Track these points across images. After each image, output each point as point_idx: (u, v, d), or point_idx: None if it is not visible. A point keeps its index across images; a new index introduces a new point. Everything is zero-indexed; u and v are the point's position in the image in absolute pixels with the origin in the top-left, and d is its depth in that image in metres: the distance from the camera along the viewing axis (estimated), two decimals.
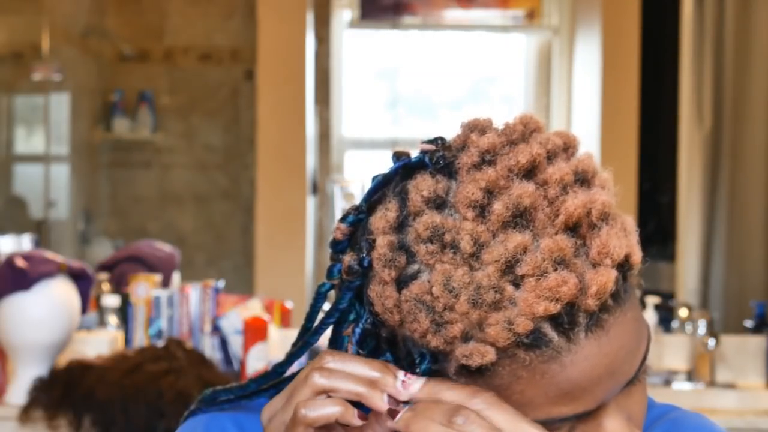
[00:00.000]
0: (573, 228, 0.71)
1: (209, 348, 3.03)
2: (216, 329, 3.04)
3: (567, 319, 0.69)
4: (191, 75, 4.26)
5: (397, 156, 0.77)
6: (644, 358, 0.74)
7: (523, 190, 0.70)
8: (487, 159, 0.72)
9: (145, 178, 4.27)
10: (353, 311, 0.77)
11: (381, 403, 0.71)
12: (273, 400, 0.75)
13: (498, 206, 0.70)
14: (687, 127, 3.75)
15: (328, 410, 0.71)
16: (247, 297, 3.26)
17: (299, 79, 3.69)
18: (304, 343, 0.82)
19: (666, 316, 3.49)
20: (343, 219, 0.77)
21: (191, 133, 4.26)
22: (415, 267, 0.72)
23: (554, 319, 0.69)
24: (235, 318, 3.02)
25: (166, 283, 3.33)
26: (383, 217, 0.74)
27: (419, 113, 4.30)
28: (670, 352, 3.37)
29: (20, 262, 2.76)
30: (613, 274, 0.70)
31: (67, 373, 2.77)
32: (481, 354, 0.70)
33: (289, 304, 3.28)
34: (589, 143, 3.72)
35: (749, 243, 3.76)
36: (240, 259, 4.16)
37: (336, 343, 0.80)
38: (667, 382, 3.27)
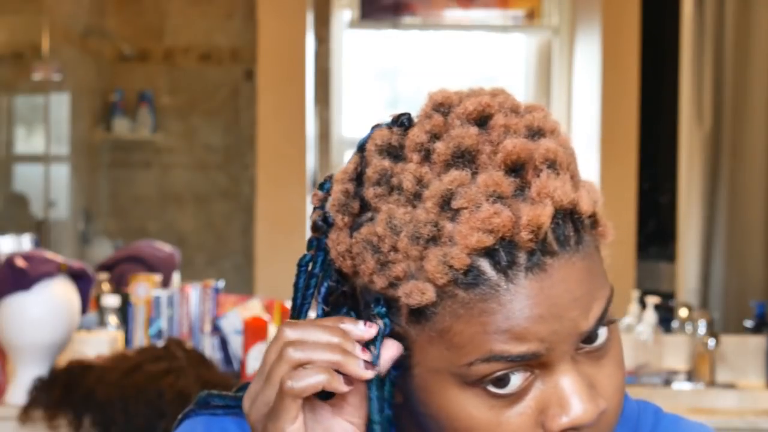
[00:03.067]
0: (516, 170, 0.71)
1: (209, 348, 3.03)
2: (216, 329, 3.04)
3: (505, 258, 0.70)
4: (191, 75, 4.26)
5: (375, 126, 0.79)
6: (602, 316, 0.73)
7: (465, 131, 0.72)
8: (441, 111, 0.75)
9: (145, 178, 4.27)
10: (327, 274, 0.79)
11: (359, 369, 0.72)
12: (250, 387, 0.75)
13: (439, 146, 0.72)
14: (687, 127, 3.75)
15: (315, 379, 0.71)
16: (247, 297, 3.26)
17: (299, 79, 3.69)
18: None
19: (666, 316, 3.49)
20: (320, 187, 0.79)
21: (191, 133, 4.26)
22: (369, 215, 0.74)
23: (491, 256, 0.70)
24: (235, 318, 3.02)
25: (166, 283, 3.33)
26: (342, 169, 0.77)
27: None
28: (670, 352, 3.37)
29: (20, 262, 2.76)
30: (549, 209, 0.70)
31: (67, 373, 2.77)
32: (420, 291, 0.71)
33: (289, 304, 3.28)
34: (589, 143, 3.72)
35: (749, 243, 3.76)
36: (240, 259, 4.16)
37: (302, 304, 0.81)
38: (667, 382, 3.27)
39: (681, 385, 3.26)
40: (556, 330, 0.71)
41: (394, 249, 0.72)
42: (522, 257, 0.70)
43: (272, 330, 3.02)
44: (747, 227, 3.76)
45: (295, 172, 3.69)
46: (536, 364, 0.72)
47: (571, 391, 0.72)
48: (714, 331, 3.33)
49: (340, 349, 0.72)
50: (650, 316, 3.37)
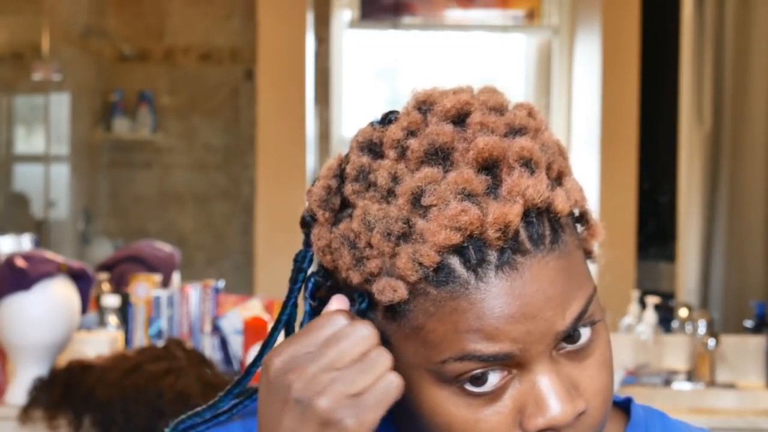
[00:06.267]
0: (489, 168, 0.71)
1: (209, 348, 3.03)
2: (216, 329, 3.04)
3: (475, 255, 0.69)
4: (191, 75, 4.26)
5: None
6: (581, 315, 0.72)
7: (440, 129, 0.72)
8: (421, 108, 0.75)
9: (145, 178, 4.27)
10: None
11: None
12: (303, 368, 0.71)
13: (413, 143, 0.72)
14: (687, 127, 3.75)
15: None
16: (247, 297, 3.26)
17: (299, 79, 3.69)
18: (277, 322, 0.82)
19: (666, 316, 3.49)
20: (313, 184, 0.79)
21: (191, 133, 4.26)
22: (348, 211, 0.74)
23: (461, 254, 0.69)
24: (235, 318, 3.02)
25: (166, 283, 3.33)
26: (326, 165, 0.77)
27: None
28: (670, 352, 3.37)
29: (20, 262, 2.76)
30: (518, 207, 0.69)
31: (67, 373, 2.77)
32: (392, 288, 0.70)
33: None
34: (589, 143, 3.72)
35: (749, 243, 3.76)
36: (240, 259, 4.16)
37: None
38: (667, 382, 3.27)
39: (681, 385, 3.26)
40: (530, 330, 0.70)
41: (369, 245, 0.72)
42: (492, 255, 0.69)
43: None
44: (747, 227, 3.76)
45: (295, 172, 3.69)
46: (512, 363, 0.71)
47: (547, 391, 0.71)
48: (714, 331, 3.33)
49: None
50: (650, 316, 3.37)
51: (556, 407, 0.71)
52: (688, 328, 3.42)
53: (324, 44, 3.95)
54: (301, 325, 0.79)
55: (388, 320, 0.73)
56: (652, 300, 3.40)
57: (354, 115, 4.13)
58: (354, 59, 4.13)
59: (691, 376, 3.31)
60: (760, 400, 3.21)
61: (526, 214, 0.70)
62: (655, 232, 3.82)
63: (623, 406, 0.88)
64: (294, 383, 0.71)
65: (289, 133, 3.70)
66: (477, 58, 4.20)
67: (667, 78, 3.80)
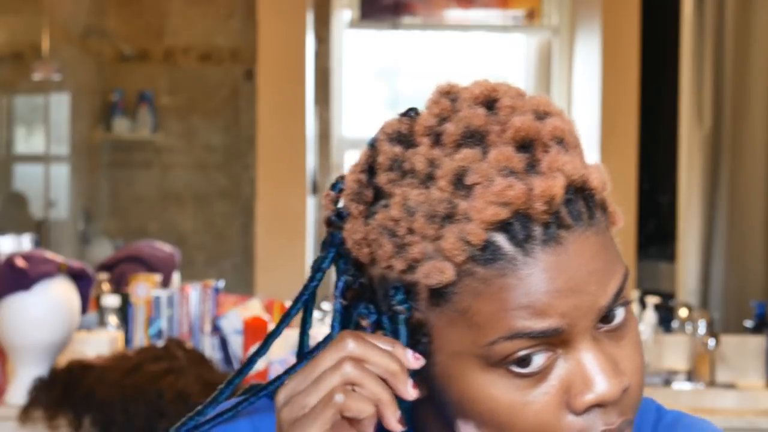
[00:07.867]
0: (525, 146, 0.72)
1: (209, 348, 3.03)
2: (216, 329, 3.04)
3: (521, 231, 0.70)
4: (191, 75, 4.26)
5: None
6: (619, 292, 0.73)
7: (473, 112, 0.73)
8: (448, 97, 0.76)
9: (145, 178, 4.27)
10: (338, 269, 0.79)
11: (395, 419, 0.71)
12: (289, 382, 0.74)
13: (449, 126, 0.73)
14: (687, 127, 3.75)
15: (363, 408, 0.71)
16: (247, 297, 3.26)
17: (299, 79, 3.68)
18: (284, 316, 0.83)
19: (666, 316, 3.49)
20: (332, 186, 0.79)
21: (191, 133, 4.26)
22: (383, 202, 0.74)
23: (507, 231, 0.70)
24: (235, 318, 3.02)
25: (166, 283, 3.33)
26: (354, 162, 0.78)
27: None
28: (670, 352, 3.37)
29: (20, 262, 2.76)
30: (561, 181, 0.70)
31: (67, 373, 2.77)
32: (439, 270, 0.71)
33: (289, 304, 3.28)
34: (589, 143, 3.72)
35: (749, 243, 3.76)
36: (240, 259, 4.16)
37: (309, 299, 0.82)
38: (667, 382, 3.27)
39: (681, 385, 3.26)
40: (576, 305, 0.71)
41: (411, 231, 0.72)
42: (537, 230, 0.70)
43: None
44: (747, 227, 3.76)
45: (295, 172, 3.69)
46: (558, 341, 0.72)
47: (594, 367, 0.72)
48: (714, 331, 3.33)
49: (391, 388, 0.72)
50: (650, 316, 3.38)
51: (603, 383, 0.72)
52: (688, 328, 3.42)
53: (324, 44, 3.95)
54: (332, 324, 0.80)
55: (432, 307, 0.73)
56: (652, 300, 3.40)
57: (354, 115, 4.13)
58: (354, 59, 4.13)
59: (691, 376, 3.31)
60: (760, 400, 3.21)
61: (565, 190, 0.71)
62: (655, 232, 3.82)
63: None
64: (279, 396, 0.74)
65: (289, 133, 3.69)
66: (477, 58, 4.20)
67: (667, 78, 3.80)
